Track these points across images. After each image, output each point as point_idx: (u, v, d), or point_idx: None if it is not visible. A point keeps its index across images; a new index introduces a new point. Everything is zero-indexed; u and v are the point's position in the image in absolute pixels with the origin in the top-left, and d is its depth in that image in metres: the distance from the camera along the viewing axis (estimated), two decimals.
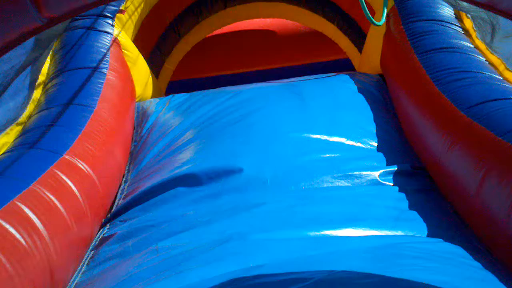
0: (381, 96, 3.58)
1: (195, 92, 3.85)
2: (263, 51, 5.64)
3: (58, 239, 2.30)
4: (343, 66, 5.55)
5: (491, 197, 2.28)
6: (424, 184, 2.82)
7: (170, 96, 3.89)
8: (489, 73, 3.07)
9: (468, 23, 3.62)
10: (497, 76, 3.06)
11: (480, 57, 3.29)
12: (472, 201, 2.42)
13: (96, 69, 3.54)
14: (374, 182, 2.77)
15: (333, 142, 3.03)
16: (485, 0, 1.42)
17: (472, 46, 3.41)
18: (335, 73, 3.92)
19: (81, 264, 2.47)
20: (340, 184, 2.72)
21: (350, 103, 3.42)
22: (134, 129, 3.67)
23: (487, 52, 3.38)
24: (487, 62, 3.25)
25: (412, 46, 3.50)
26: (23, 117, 3.18)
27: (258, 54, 5.62)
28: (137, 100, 3.95)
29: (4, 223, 2.07)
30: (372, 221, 2.32)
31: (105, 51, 3.70)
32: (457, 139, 2.67)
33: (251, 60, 5.65)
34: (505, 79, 3.08)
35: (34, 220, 2.22)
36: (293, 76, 4.34)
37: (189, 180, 2.82)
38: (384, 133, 3.19)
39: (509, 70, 3.19)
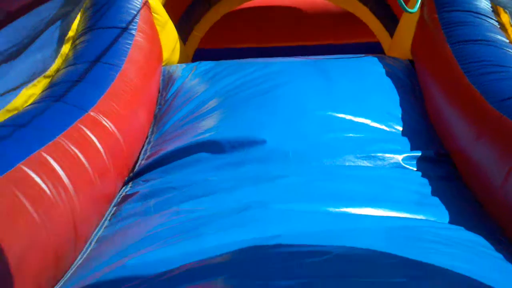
0: (409, 81, 3.54)
1: (222, 61, 3.83)
2: (292, 28, 5.57)
3: (82, 193, 2.33)
4: (372, 49, 5.47)
5: None
6: (447, 172, 2.80)
7: (197, 62, 3.88)
8: None
9: (505, 17, 3.56)
10: None
11: None
12: (496, 193, 2.41)
13: (125, 29, 3.53)
14: (397, 166, 2.76)
15: (358, 122, 3.02)
16: None
17: (507, 41, 3.35)
18: (363, 55, 3.88)
19: (103, 220, 2.49)
20: (362, 164, 2.71)
21: (377, 86, 3.39)
22: (159, 92, 3.67)
23: None
24: None
25: (446, 35, 3.45)
26: (50, 70, 3.19)
27: (287, 30, 5.54)
28: (163, 64, 3.94)
29: (30, 172, 2.09)
30: (393, 203, 2.31)
31: (135, 12, 3.69)
32: (484, 131, 2.65)
33: (280, 35, 5.58)
34: None
35: (60, 172, 2.24)
36: (320, 55, 4.30)
37: (211, 146, 2.82)
38: (409, 118, 3.17)
39: None
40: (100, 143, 2.62)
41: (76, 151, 2.43)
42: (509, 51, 3.24)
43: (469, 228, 2.18)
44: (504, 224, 2.31)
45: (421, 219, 2.19)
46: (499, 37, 3.36)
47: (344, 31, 5.61)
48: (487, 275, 1.63)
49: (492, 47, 3.27)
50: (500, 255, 1.91)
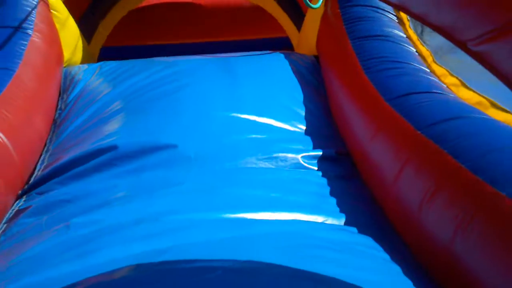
0: (313, 78, 3.59)
1: (126, 60, 3.72)
2: (202, 23, 5.51)
3: None
4: (284, 44, 5.51)
5: (406, 189, 2.35)
6: (347, 170, 2.87)
7: (100, 63, 3.75)
8: (418, 65, 3.14)
9: None
10: (425, 68, 3.13)
11: (411, 47, 3.35)
12: (389, 190, 2.49)
13: (19, 29, 3.35)
14: (298, 166, 2.79)
15: (261, 123, 3.02)
16: (397, 1, 1.43)
17: (404, 36, 3.46)
18: (270, 51, 3.89)
19: None
20: (263, 166, 2.73)
21: (282, 84, 3.41)
22: (59, 95, 3.52)
23: (418, 43, 3.45)
24: (417, 53, 3.31)
25: (347, 31, 3.52)
26: None
27: (197, 26, 5.48)
28: (65, 65, 3.78)
29: None
30: (291, 206, 2.34)
31: (30, 9, 3.50)
32: (380, 128, 2.73)
33: (188, 31, 5.51)
34: (432, 71, 3.15)
35: None
36: (230, 51, 4.28)
37: (111, 153, 2.74)
38: (312, 116, 3.21)
39: (436, 64, 3.27)
40: None
41: None
42: (406, 46, 3.36)
43: (363, 228, 2.25)
44: (396, 222, 2.40)
45: (316, 222, 2.23)
46: (396, 31, 3.46)
47: (254, 26, 5.62)
48: (372, 279, 1.68)
49: (390, 43, 3.37)
50: (387, 256, 1.97)
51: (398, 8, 1.48)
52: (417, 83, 2.88)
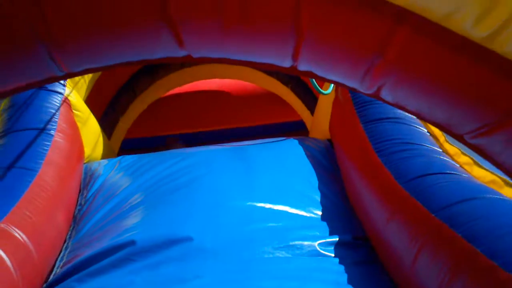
0: (328, 163, 3.63)
1: (144, 154, 3.83)
2: (219, 111, 5.69)
3: None
4: (300, 127, 5.63)
5: (423, 273, 2.31)
6: (365, 256, 2.84)
7: (119, 157, 3.87)
8: (430, 146, 3.16)
9: None
10: (437, 149, 3.15)
11: (422, 128, 3.39)
12: (408, 275, 2.45)
13: (43, 130, 3.50)
14: (315, 253, 2.77)
15: (277, 210, 3.04)
16: (392, 101, 1.48)
17: (415, 116, 3.51)
18: (284, 138, 3.97)
19: None
20: (280, 255, 2.72)
21: (296, 170, 3.46)
22: (80, 191, 3.61)
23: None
24: (429, 134, 3.34)
25: (358, 115, 3.59)
26: None
27: (214, 114, 5.66)
28: (86, 160, 3.91)
29: None
30: (316, 284, 2.31)
31: (54, 111, 3.68)
32: (395, 212, 2.71)
33: (207, 120, 5.69)
34: (445, 151, 3.17)
35: None
36: (247, 136, 4.37)
37: (128, 249, 2.77)
38: (328, 201, 3.22)
39: (449, 143, 3.29)
40: (8, 257, 2.52)
41: None
42: (417, 127, 3.40)
43: None
44: None
45: None
46: (406, 113, 3.52)
47: (270, 111, 5.77)
48: None
49: (401, 124, 3.42)
50: None
51: (395, 106, 1.54)
52: (430, 164, 2.88)
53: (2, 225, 2.65)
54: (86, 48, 1.45)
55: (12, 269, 2.51)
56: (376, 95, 1.51)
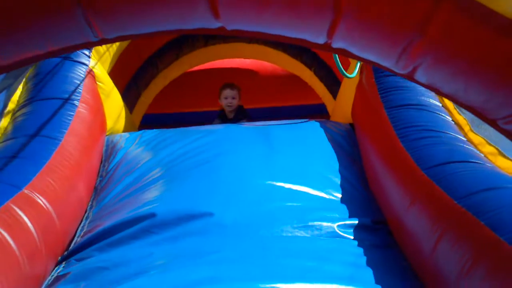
0: (349, 146, 3.62)
1: (165, 129, 3.85)
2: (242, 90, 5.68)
3: (7, 277, 2.25)
4: (320, 110, 5.61)
5: (444, 260, 2.30)
6: (384, 239, 2.84)
7: (141, 131, 3.89)
8: (454, 134, 3.13)
9: None
10: (461, 137, 3.12)
11: (447, 116, 3.36)
12: (426, 261, 2.44)
13: (67, 100, 3.53)
14: (334, 234, 2.78)
15: (297, 191, 3.05)
16: (426, 82, 1.46)
17: (440, 104, 3.48)
18: (306, 120, 3.96)
19: None
20: (299, 235, 2.73)
21: (317, 152, 3.45)
22: (101, 163, 3.65)
23: (455, 112, 3.45)
24: (453, 122, 3.31)
25: (382, 100, 3.56)
26: None
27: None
28: (107, 133, 3.94)
29: None
30: (326, 276, 2.32)
31: (78, 82, 3.70)
32: (416, 198, 2.70)
33: None
34: (469, 140, 3.13)
35: None
36: (269, 117, 4.37)
37: (148, 221, 2.79)
38: (348, 185, 3.22)
39: (474, 132, 3.25)
40: (31, 222, 2.56)
41: (4, 233, 2.37)
42: (442, 116, 3.36)
43: None
44: None
45: None
46: (431, 101, 3.48)
47: (292, 93, 5.75)
48: None
49: (425, 112, 3.39)
50: None
51: (428, 88, 1.51)
52: (453, 152, 2.86)
53: (26, 191, 2.69)
54: (123, 15, 1.45)
55: (35, 234, 2.55)
56: (411, 76, 1.50)
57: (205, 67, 5.65)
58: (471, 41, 1.25)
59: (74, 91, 3.63)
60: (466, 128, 3.29)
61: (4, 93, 3.68)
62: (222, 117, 4.85)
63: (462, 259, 2.13)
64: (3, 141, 3.15)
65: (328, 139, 3.60)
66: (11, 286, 2.27)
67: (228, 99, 4.75)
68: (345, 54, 1.59)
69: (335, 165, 3.35)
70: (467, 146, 2.98)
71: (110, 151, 3.67)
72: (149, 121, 5.37)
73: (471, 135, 3.22)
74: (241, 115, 4.83)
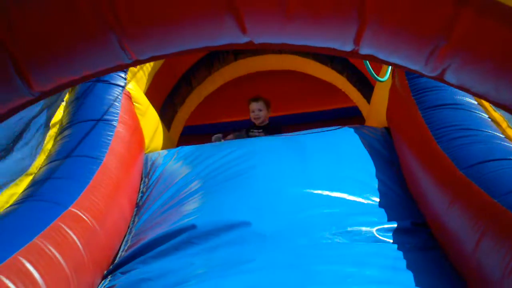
0: (385, 150, 3.61)
1: (201, 144, 3.94)
2: (279, 98, 5.71)
3: None
4: (356, 113, 5.58)
5: (486, 259, 2.28)
6: (424, 241, 2.82)
7: (178, 148, 3.99)
8: (491, 131, 3.09)
9: None
10: (499, 135, 3.08)
11: (483, 114, 3.32)
12: (469, 260, 2.42)
13: (106, 121, 3.65)
14: (373, 239, 2.78)
15: (334, 197, 3.06)
16: (456, 83, 1.47)
17: (475, 102, 3.44)
18: (339, 127, 3.97)
19: None
20: (338, 241, 2.74)
21: (352, 158, 3.46)
22: (141, 180, 3.75)
23: (491, 109, 3.40)
24: (490, 119, 3.27)
25: (416, 102, 3.55)
26: (33, 168, 3.29)
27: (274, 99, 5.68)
28: (146, 151, 4.04)
29: (4, 279, 2.13)
30: (366, 281, 2.33)
31: (116, 103, 3.82)
32: (456, 198, 2.68)
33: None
34: (507, 137, 3.09)
35: (34, 275, 2.27)
36: (303, 122, 4.39)
37: (189, 232, 2.86)
38: (386, 188, 3.21)
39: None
40: (79, 239, 2.66)
41: (53, 250, 2.47)
42: (478, 113, 3.32)
43: None
44: None
45: None
46: (466, 99, 3.45)
47: (326, 98, 5.76)
48: None
49: (461, 110, 3.36)
50: None
51: (459, 88, 1.52)
52: (491, 150, 2.83)
53: (73, 210, 2.80)
54: (154, 37, 1.51)
55: (82, 250, 2.65)
56: (441, 78, 1.51)
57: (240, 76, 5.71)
58: (497, 41, 1.26)
59: (112, 112, 3.75)
60: (504, 124, 3.24)
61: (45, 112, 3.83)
62: (251, 127, 4.93)
63: (506, 258, 2.10)
64: (48, 163, 3.27)
65: (363, 144, 3.61)
66: None
67: (255, 112, 4.87)
68: (374, 60, 1.62)
69: (372, 169, 3.35)
70: (505, 143, 2.94)
71: (149, 168, 3.78)
72: (188, 132, 5.46)
73: (510, 131, 3.17)
74: (271, 128, 4.87)
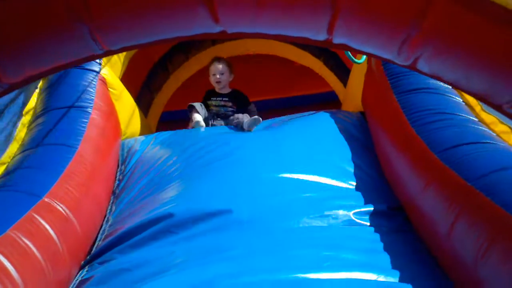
0: (360, 135, 3.63)
1: (178, 130, 3.90)
2: (254, 83, 5.69)
3: (32, 284, 2.32)
4: (332, 98, 5.60)
5: (460, 242, 2.32)
6: (400, 224, 2.86)
7: (155, 134, 3.95)
8: (465, 115, 3.13)
9: None
10: (473, 118, 3.11)
11: (457, 97, 3.35)
12: (443, 244, 2.46)
13: (80, 108, 3.59)
14: (350, 222, 2.81)
15: (311, 181, 3.08)
16: (429, 71, 1.48)
17: (449, 86, 3.47)
18: (316, 111, 3.97)
19: None
20: (316, 224, 2.76)
21: (329, 142, 3.48)
22: (118, 167, 3.71)
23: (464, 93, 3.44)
24: (464, 103, 3.30)
25: (391, 86, 3.57)
26: (5, 157, 3.22)
27: (250, 84, 5.65)
28: (123, 137, 3.99)
29: None
30: (343, 265, 2.35)
31: (90, 89, 3.76)
32: (431, 181, 2.72)
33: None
34: (481, 120, 3.13)
35: (8, 267, 2.24)
36: (286, 106, 4.37)
37: (167, 221, 2.85)
38: (362, 172, 3.24)
39: (485, 112, 3.24)
40: (53, 230, 2.63)
41: (27, 242, 2.44)
42: (452, 97, 3.35)
43: (419, 282, 2.23)
44: (453, 276, 2.35)
45: (369, 280, 2.24)
46: (440, 83, 3.47)
47: (302, 83, 5.75)
48: None
49: (435, 95, 3.38)
50: None
51: (431, 77, 1.53)
52: (465, 134, 2.86)
53: (46, 200, 2.76)
54: (126, 27, 1.48)
55: (57, 240, 2.62)
56: (413, 67, 1.52)
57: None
58: (467, 31, 1.27)
59: (87, 98, 3.68)
60: (478, 108, 3.28)
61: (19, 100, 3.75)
62: (210, 94, 4.33)
63: (479, 240, 2.14)
64: (21, 152, 3.21)
65: (339, 129, 3.62)
66: None
67: (216, 76, 4.27)
68: (347, 49, 1.61)
69: (348, 154, 3.37)
70: (479, 127, 2.98)
71: (126, 155, 3.74)
72: (167, 119, 5.41)
73: (483, 115, 3.21)
74: (238, 98, 4.30)
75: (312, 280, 2.23)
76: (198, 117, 4.06)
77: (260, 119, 3.78)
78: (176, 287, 2.21)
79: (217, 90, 4.34)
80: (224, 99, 4.27)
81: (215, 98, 4.28)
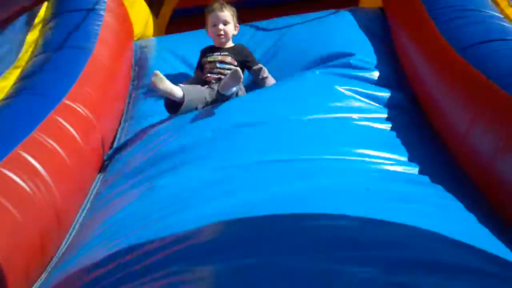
0: (379, 31, 3.56)
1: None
2: None
3: (61, 183, 2.40)
4: None
5: (479, 140, 2.32)
6: (417, 119, 2.90)
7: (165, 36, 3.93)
8: (490, 11, 3.01)
9: None
10: (497, 14, 3.00)
11: None
12: (462, 142, 2.46)
13: (93, 10, 3.52)
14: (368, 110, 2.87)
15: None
16: None
17: None
18: (335, 11, 3.84)
19: (85, 203, 2.59)
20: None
21: (348, 39, 3.43)
22: (132, 67, 3.71)
23: None
24: None
25: None
26: (20, 60, 3.21)
27: None
28: (136, 39, 3.95)
29: (8, 172, 2.16)
30: (367, 146, 2.46)
31: None
32: (451, 79, 2.68)
33: None
34: (506, 16, 3.01)
35: (38, 168, 2.31)
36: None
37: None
38: (382, 66, 3.23)
39: (511, 7, 3.12)
40: (75, 130, 2.68)
41: (53, 143, 2.49)
42: None
43: (436, 178, 2.28)
44: (470, 171, 2.38)
45: (389, 171, 2.31)
46: None
47: None
48: (445, 227, 1.69)
49: None
50: (460, 205, 2.00)
51: None
52: (489, 31, 2.77)
53: (67, 102, 2.78)
54: None
55: (80, 142, 2.68)
56: None
57: None
58: None
59: (99, 1, 3.60)
60: (503, 3, 3.15)
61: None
62: (206, 51, 3.36)
63: (499, 135, 2.14)
64: (36, 55, 3.19)
65: (359, 26, 3.55)
66: (67, 190, 2.42)
67: (217, 26, 3.31)
68: None
69: (369, 49, 3.35)
70: (504, 23, 2.88)
71: (139, 55, 3.71)
72: (180, 15, 5.23)
73: (509, 10, 3.09)
74: (240, 51, 3.35)
75: (338, 161, 2.30)
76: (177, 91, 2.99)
77: (239, 71, 2.91)
78: (202, 176, 2.26)
79: (216, 45, 3.37)
80: (223, 53, 3.30)
81: (211, 54, 3.32)
